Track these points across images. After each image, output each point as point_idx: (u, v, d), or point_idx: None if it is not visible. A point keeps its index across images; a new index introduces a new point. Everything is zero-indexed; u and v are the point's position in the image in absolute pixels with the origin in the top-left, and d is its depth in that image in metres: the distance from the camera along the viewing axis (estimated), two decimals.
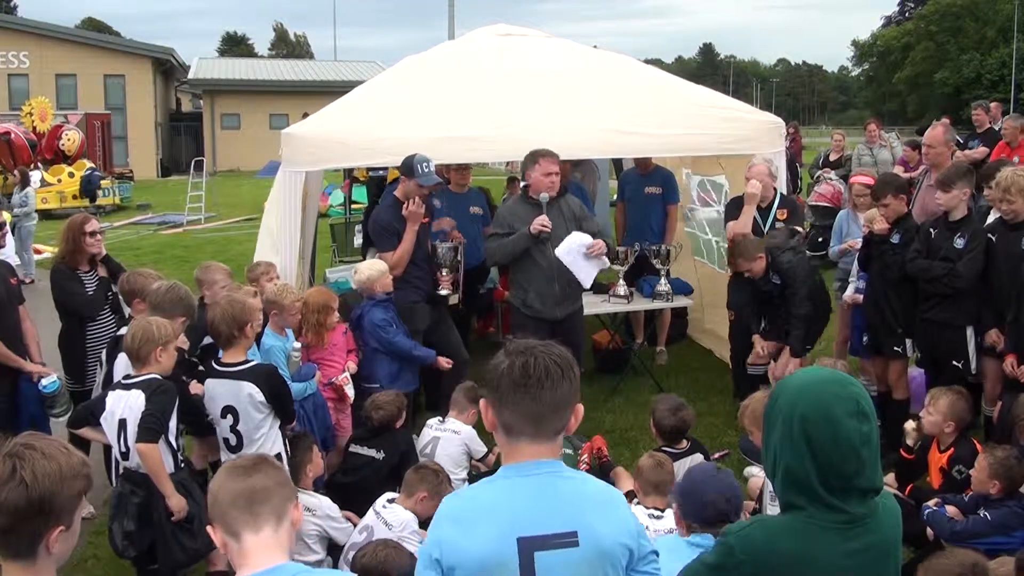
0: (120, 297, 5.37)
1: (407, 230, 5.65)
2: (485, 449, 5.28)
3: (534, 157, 5.60)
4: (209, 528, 1.98)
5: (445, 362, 5.64)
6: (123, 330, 4.62)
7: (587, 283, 5.70)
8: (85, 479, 1.87)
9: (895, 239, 5.46)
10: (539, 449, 2.01)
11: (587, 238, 5.54)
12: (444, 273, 5.98)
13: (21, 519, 1.74)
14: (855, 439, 1.92)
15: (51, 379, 4.96)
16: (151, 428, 3.67)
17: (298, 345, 4.67)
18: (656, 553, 2.05)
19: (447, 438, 5.15)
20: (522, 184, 5.93)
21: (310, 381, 4.77)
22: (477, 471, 5.28)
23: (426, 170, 5.56)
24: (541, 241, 5.54)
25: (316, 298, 5.24)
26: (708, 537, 2.79)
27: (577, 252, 5.52)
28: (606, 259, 5.69)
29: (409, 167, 5.57)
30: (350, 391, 5.26)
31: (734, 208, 6.26)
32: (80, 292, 5.22)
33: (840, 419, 1.93)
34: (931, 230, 5.37)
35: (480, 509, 2.00)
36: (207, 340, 4.82)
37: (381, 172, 10.48)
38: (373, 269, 5.58)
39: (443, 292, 5.98)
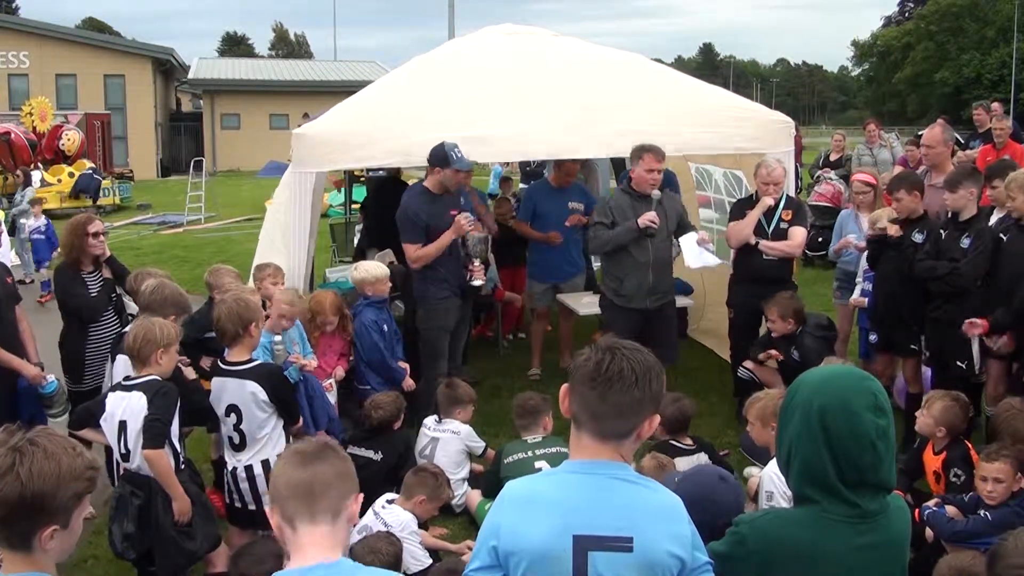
0: (124, 298, 5.36)
1: (445, 236, 5.62)
2: (483, 444, 5.30)
3: (639, 153, 5.70)
4: (268, 509, 1.97)
5: (407, 385, 5.60)
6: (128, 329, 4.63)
7: (713, 261, 6.03)
8: (87, 482, 1.87)
9: (918, 238, 5.46)
10: (602, 448, 2.01)
11: (694, 236, 5.83)
12: (476, 263, 5.96)
13: (12, 513, 1.76)
14: (872, 432, 1.98)
15: (49, 379, 4.95)
16: (156, 433, 3.67)
17: (279, 338, 4.67)
18: (711, 564, 2.05)
19: (446, 439, 5.15)
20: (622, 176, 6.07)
21: (291, 368, 4.69)
22: (476, 472, 5.29)
23: (459, 155, 5.55)
24: (648, 235, 5.69)
25: (313, 298, 5.28)
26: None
27: (699, 254, 5.86)
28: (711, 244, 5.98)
29: (443, 156, 5.52)
30: (331, 398, 5.24)
31: (738, 209, 6.27)
32: (83, 293, 5.20)
33: (858, 412, 1.98)
34: (941, 231, 5.39)
35: (541, 500, 2.01)
36: (209, 334, 4.82)
37: (380, 172, 10.44)
38: (370, 273, 5.56)
39: (476, 283, 5.97)
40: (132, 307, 5.38)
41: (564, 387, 2.06)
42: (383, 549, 3.86)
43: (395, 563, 3.87)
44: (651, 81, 6.99)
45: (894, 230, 5.47)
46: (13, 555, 1.79)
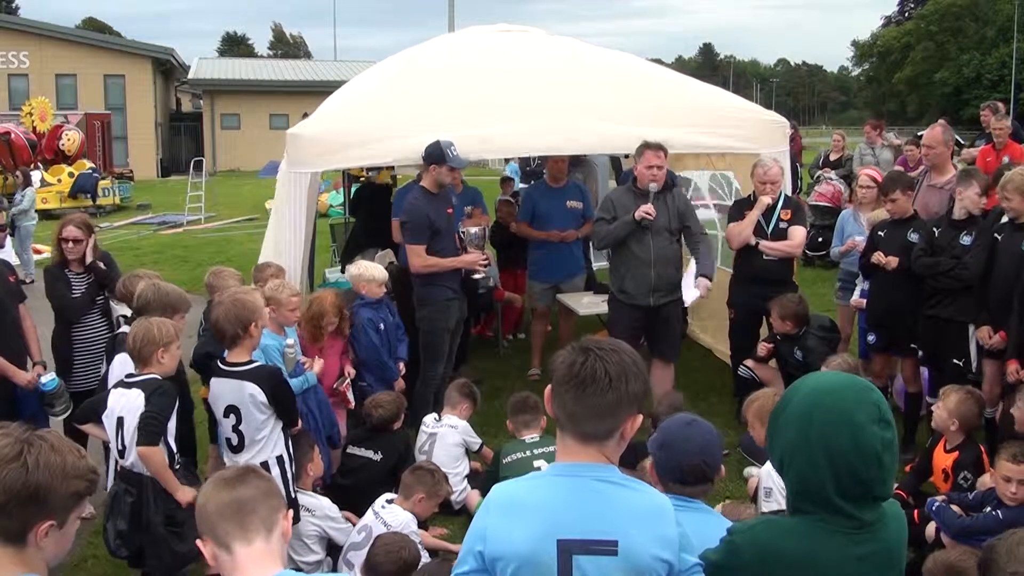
0: (111, 301, 5.36)
1: (457, 260, 5.72)
2: (480, 441, 5.30)
3: (641, 149, 5.76)
4: (199, 542, 1.96)
5: (398, 385, 5.58)
6: (123, 329, 4.61)
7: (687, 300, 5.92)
8: (88, 483, 1.88)
9: (914, 238, 5.49)
10: (585, 450, 1.98)
11: (695, 292, 5.78)
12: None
13: (14, 501, 1.78)
14: (878, 446, 1.87)
15: (50, 377, 4.94)
16: (152, 431, 3.66)
17: (291, 341, 4.67)
18: (701, 566, 2.01)
19: (443, 434, 5.16)
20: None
21: (307, 374, 4.74)
22: (476, 471, 5.29)
23: (455, 153, 5.57)
24: (642, 229, 5.67)
25: (315, 299, 5.28)
26: (683, 499, 2.47)
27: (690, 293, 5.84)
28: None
29: (440, 154, 5.53)
30: (352, 396, 5.26)
31: (737, 210, 6.26)
32: (64, 294, 5.19)
33: (863, 425, 1.87)
34: (934, 229, 5.41)
35: (526, 505, 1.98)
36: None
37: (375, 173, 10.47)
38: (366, 272, 5.57)
39: (476, 276, 6.01)
40: (120, 309, 5.35)
41: (548, 389, 2.04)
42: (413, 548, 3.88)
43: (417, 562, 3.88)
44: (646, 80, 6.98)
45: (893, 264, 5.50)
46: (6, 549, 1.80)
